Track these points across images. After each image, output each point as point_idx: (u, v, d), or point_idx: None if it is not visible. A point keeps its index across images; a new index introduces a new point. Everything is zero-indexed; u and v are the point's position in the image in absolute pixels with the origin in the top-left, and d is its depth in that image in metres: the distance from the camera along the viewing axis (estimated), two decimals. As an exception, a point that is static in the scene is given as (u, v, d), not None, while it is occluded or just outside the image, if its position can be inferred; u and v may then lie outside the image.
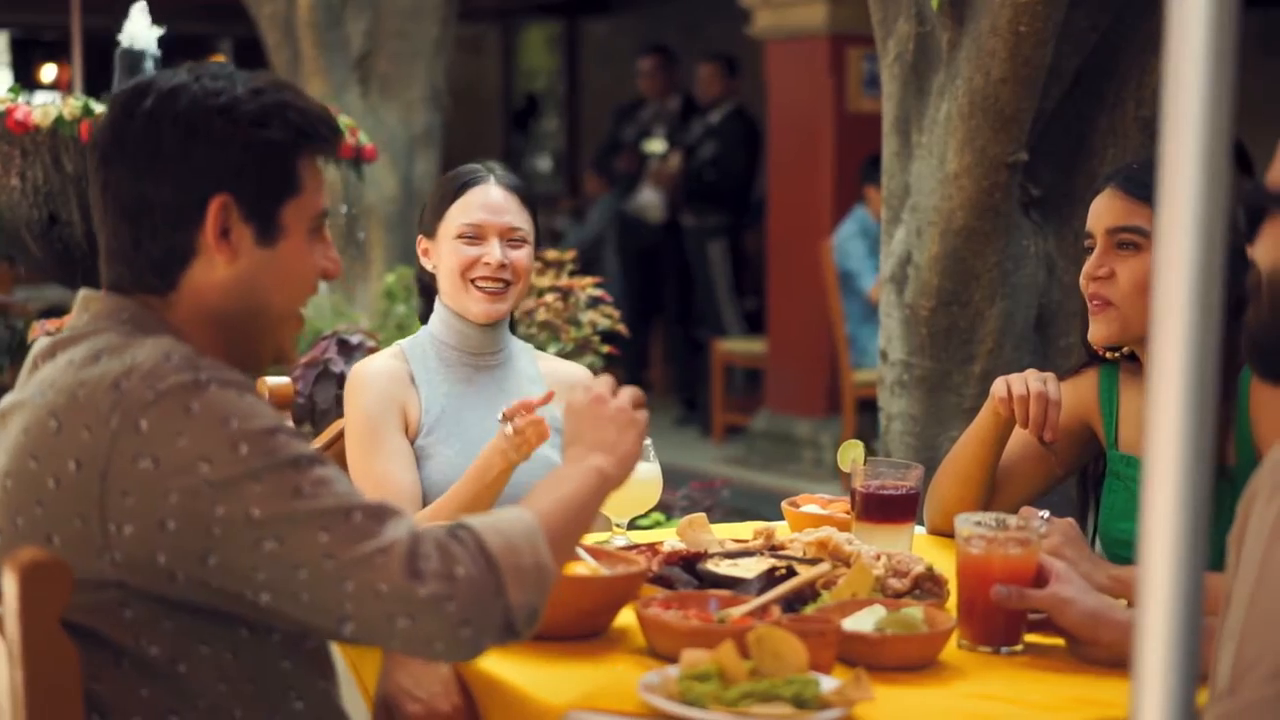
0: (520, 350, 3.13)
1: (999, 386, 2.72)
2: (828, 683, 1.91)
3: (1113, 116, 3.73)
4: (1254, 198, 1.67)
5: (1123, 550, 2.67)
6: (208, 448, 1.71)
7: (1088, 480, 2.88)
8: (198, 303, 1.86)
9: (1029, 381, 2.68)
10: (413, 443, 2.96)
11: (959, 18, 3.60)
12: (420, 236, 3.08)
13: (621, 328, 4.38)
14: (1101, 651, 2.14)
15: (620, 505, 2.70)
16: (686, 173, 9.46)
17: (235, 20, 6.78)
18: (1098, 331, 2.64)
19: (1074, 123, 3.78)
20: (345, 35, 6.42)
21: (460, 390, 3.00)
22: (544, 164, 14.86)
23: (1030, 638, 2.21)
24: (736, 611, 2.13)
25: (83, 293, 1.91)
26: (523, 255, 3.01)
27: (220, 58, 14.20)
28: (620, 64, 12.18)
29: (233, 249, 1.84)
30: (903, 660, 2.09)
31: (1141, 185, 2.63)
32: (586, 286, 4.37)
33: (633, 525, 4.12)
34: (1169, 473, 1.17)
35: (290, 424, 1.80)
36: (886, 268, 3.95)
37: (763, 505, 4.44)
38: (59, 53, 14.07)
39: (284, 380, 3.12)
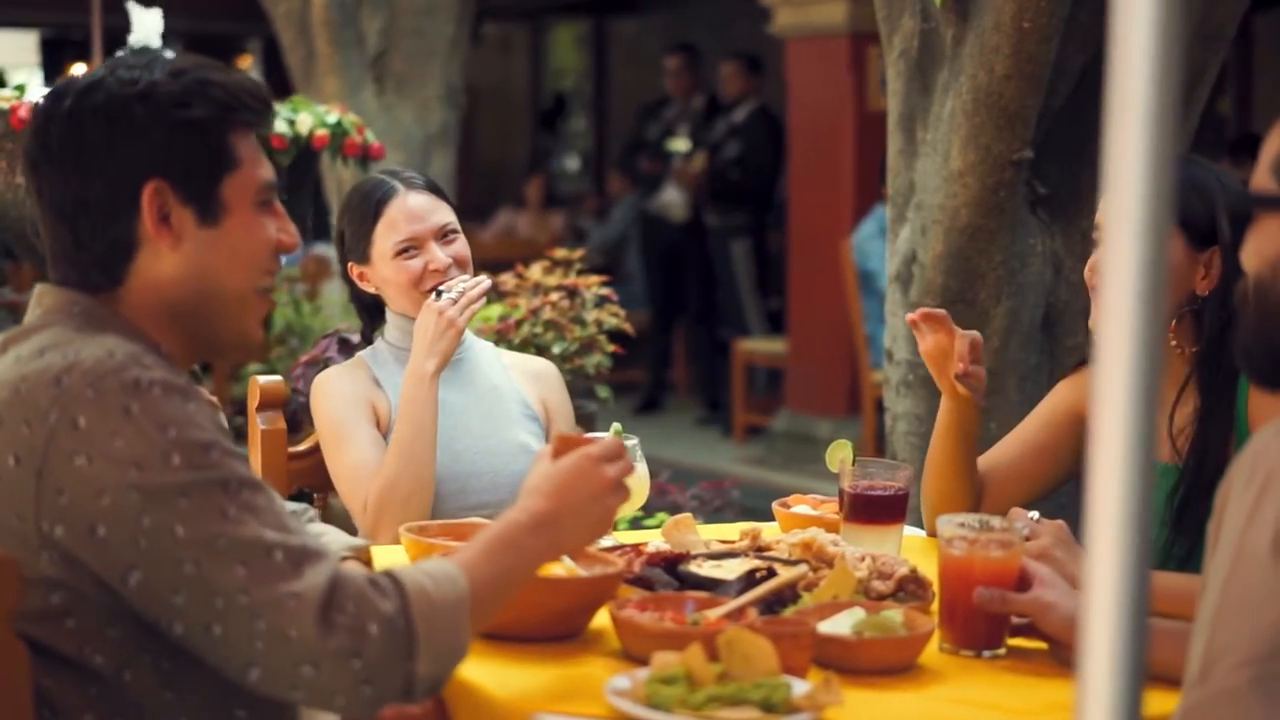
0: (482, 346, 3.17)
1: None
2: (799, 686, 1.88)
3: (1120, 114, 3.68)
4: (1238, 202, 1.65)
5: None
6: (141, 452, 1.68)
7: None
8: (149, 294, 1.84)
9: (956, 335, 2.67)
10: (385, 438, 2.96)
11: (962, 14, 3.56)
12: (350, 264, 3.07)
13: (627, 327, 4.35)
14: (1072, 654, 2.10)
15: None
16: (710, 172, 9.43)
17: (263, 19, 6.78)
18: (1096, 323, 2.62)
19: (1081, 120, 3.73)
20: (360, 33, 6.41)
21: None
22: (572, 163, 14.86)
23: (1013, 641, 2.17)
24: (713, 614, 2.10)
25: (38, 287, 1.89)
26: (460, 246, 3.04)
27: (248, 58, 14.24)
28: (648, 63, 12.15)
29: (175, 234, 1.82)
30: (880, 663, 2.06)
31: None
32: (593, 285, 4.33)
33: (638, 525, 4.11)
34: (1113, 469, 1.15)
35: (228, 442, 1.75)
36: (892, 266, 3.92)
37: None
38: (89, 52, 14.15)
39: (275, 379, 3.10)
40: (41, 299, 1.86)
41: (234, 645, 1.68)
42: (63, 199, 1.81)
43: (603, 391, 4.44)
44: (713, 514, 4.94)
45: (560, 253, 4.67)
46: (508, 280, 4.55)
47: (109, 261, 1.82)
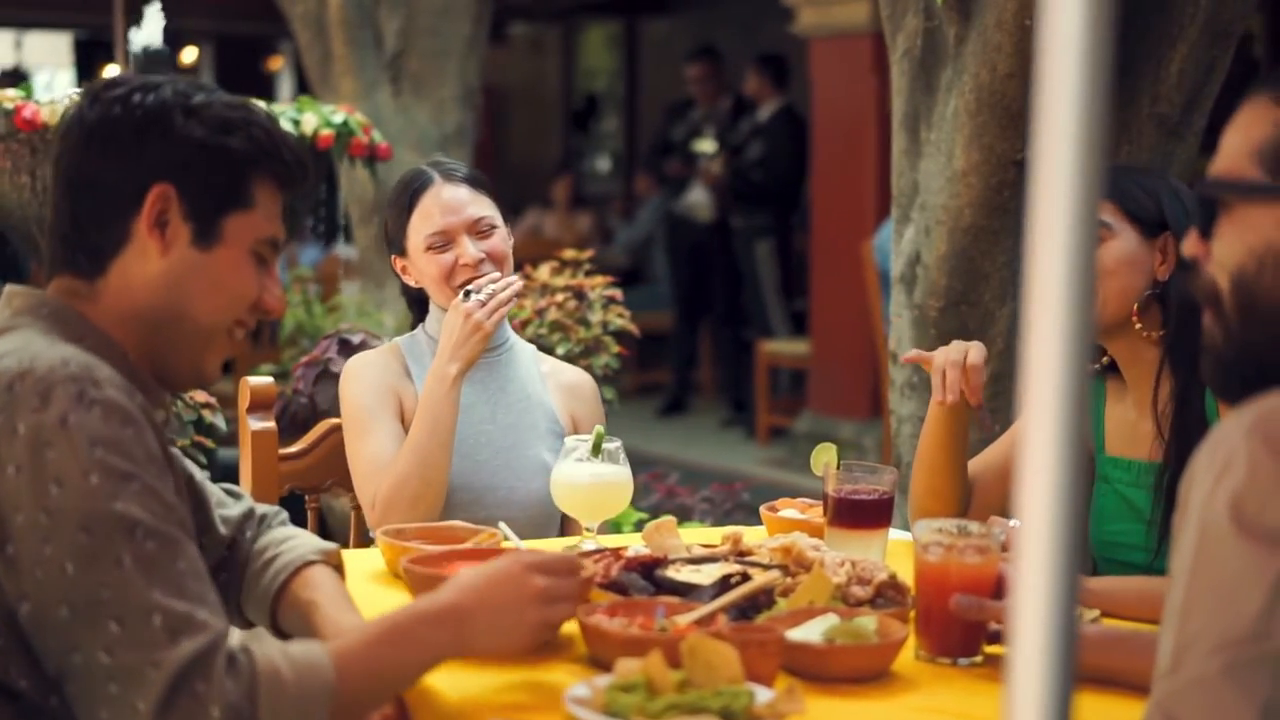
0: (522, 349, 3.07)
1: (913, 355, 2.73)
2: (762, 694, 1.85)
3: (1126, 113, 3.64)
4: (1208, 189, 1.59)
5: (1115, 552, 2.65)
6: (65, 466, 1.66)
7: None
8: (123, 296, 1.83)
9: (949, 351, 2.65)
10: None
11: (965, 12, 3.53)
12: (394, 257, 3.02)
13: (633, 328, 4.32)
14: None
15: (590, 508, 2.65)
16: (734, 172, 9.39)
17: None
18: None
19: (1087, 119, 3.69)
20: (376, 34, 6.39)
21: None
22: (603, 164, 14.84)
23: (991, 649, 2.14)
24: (683, 619, 2.07)
25: (7, 289, 1.88)
26: (497, 241, 2.95)
27: (279, 59, 14.27)
28: (678, 64, 12.12)
29: (165, 241, 1.82)
30: (851, 671, 2.03)
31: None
32: (598, 286, 4.31)
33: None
34: (1044, 471, 1.12)
35: (158, 479, 1.71)
36: (896, 267, 3.88)
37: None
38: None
39: (266, 380, 3.09)
40: (11, 300, 1.85)
41: (83, 702, 1.65)
42: (78, 171, 1.84)
43: (608, 393, 4.41)
44: (723, 516, 4.91)
45: (569, 253, 4.65)
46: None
47: (98, 249, 1.83)
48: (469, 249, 2.91)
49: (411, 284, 3.01)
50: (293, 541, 2.17)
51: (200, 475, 2.16)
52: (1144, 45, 3.61)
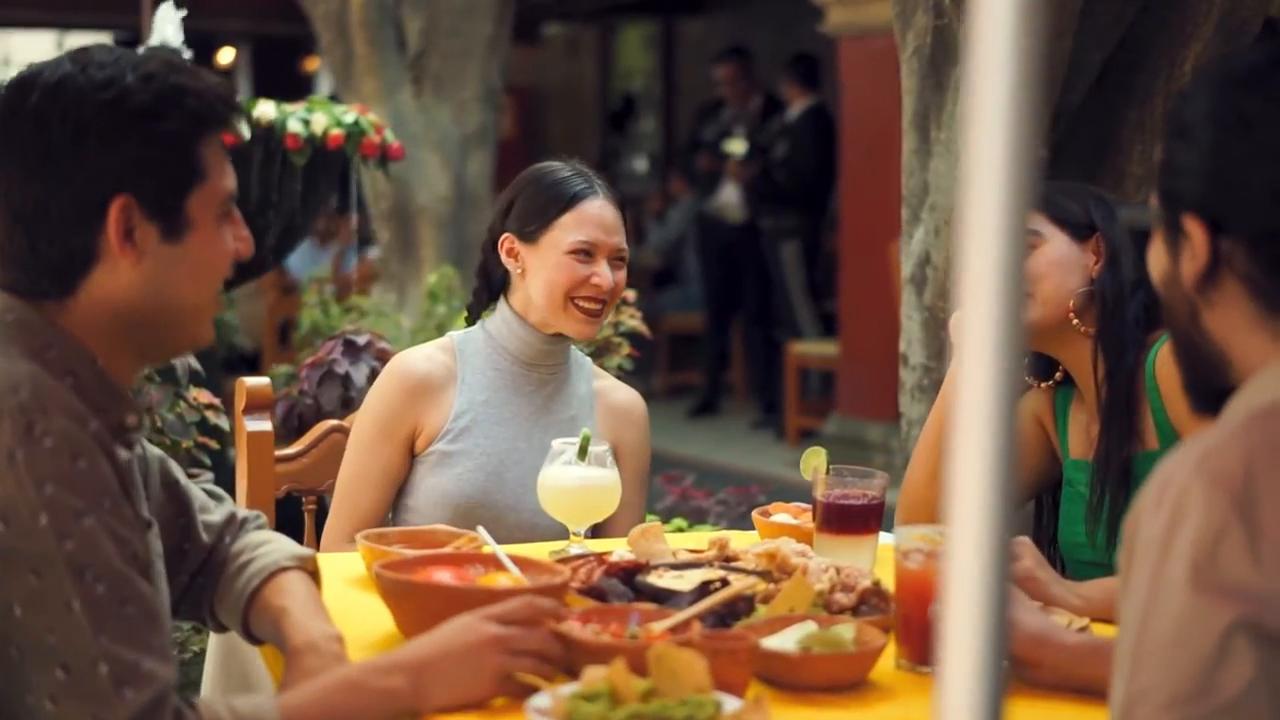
0: (577, 366, 2.98)
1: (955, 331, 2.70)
2: (730, 704, 1.81)
3: (1140, 112, 3.58)
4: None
5: (1080, 553, 2.68)
6: (13, 507, 1.61)
7: (1044, 493, 2.88)
8: (99, 307, 1.77)
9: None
10: (427, 449, 2.84)
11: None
12: (507, 234, 2.89)
13: (643, 328, 4.28)
14: (1046, 674, 2.04)
15: (576, 512, 2.61)
16: (761, 172, 9.34)
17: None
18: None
19: (1100, 118, 3.63)
20: (398, 34, 6.38)
21: (501, 399, 2.88)
22: (640, 165, 14.82)
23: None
24: (657, 626, 2.03)
25: None
26: (623, 276, 2.90)
27: (316, 60, 14.28)
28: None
29: (138, 250, 1.76)
30: (826, 680, 1.99)
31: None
32: (608, 287, 4.27)
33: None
34: (975, 470, 1.12)
35: (111, 515, 1.66)
36: (906, 268, 3.84)
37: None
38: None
39: (262, 381, 3.07)
40: None
41: None
42: (22, 201, 1.75)
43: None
44: (738, 519, 4.87)
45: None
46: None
47: (63, 271, 1.76)
48: (606, 273, 2.84)
49: (510, 265, 2.89)
50: (268, 546, 2.14)
51: (185, 480, 2.14)
52: (1158, 43, 3.56)
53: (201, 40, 13.72)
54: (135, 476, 1.85)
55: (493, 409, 2.87)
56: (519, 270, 2.87)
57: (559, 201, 2.86)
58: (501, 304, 2.92)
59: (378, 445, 2.83)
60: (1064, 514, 2.73)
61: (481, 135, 6.40)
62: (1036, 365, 2.76)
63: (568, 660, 1.95)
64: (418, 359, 2.90)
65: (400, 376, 2.86)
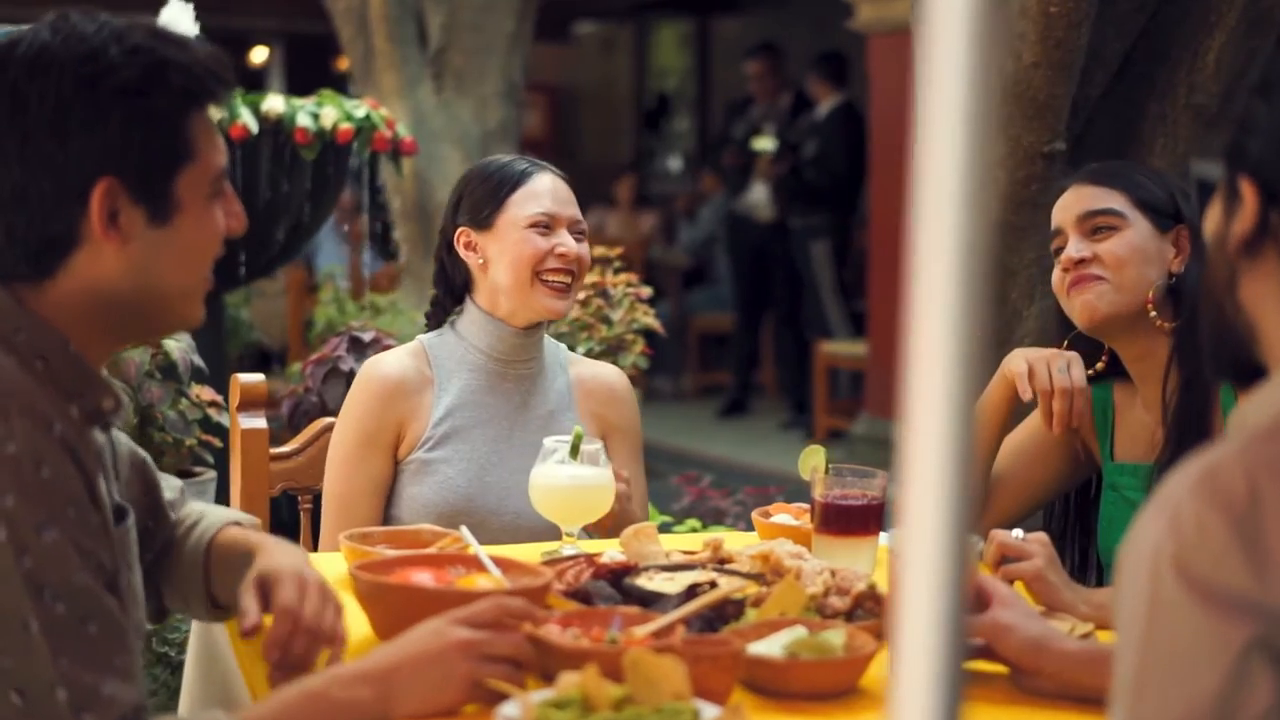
0: (552, 357, 2.93)
1: (1018, 364, 2.58)
2: (708, 712, 1.74)
3: (1163, 104, 3.49)
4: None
5: None
6: None
7: (1076, 500, 2.73)
8: (79, 291, 1.67)
9: (1053, 372, 2.53)
10: (408, 456, 2.79)
11: None
12: (462, 228, 2.84)
13: (657, 325, 4.21)
14: (1045, 682, 1.96)
15: (568, 512, 2.54)
16: (791, 170, 9.26)
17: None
18: (1087, 302, 2.53)
19: (1122, 111, 3.55)
20: (419, 29, 6.32)
21: (477, 400, 2.82)
22: (675, 164, 14.75)
23: (970, 665, 2.02)
24: (641, 631, 1.96)
25: None
26: (586, 249, 2.86)
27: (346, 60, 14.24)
28: (750, 63, 12.01)
29: (123, 235, 1.65)
30: (813, 687, 1.91)
31: (1107, 174, 2.59)
32: (621, 284, 4.20)
33: (667, 531, 3.97)
34: (929, 474, 1.07)
35: (75, 526, 1.58)
36: (923, 265, 3.75)
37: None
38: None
39: (257, 378, 3.01)
40: None
41: None
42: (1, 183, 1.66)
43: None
44: (755, 520, 4.79)
45: (600, 249, 4.55)
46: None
47: (42, 256, 1.66)
48: (570, 242, 2.80)
49: (472, 260, 2.84)
50: (210, 510, 2.09)
51: (149, 460, 2.07)
52: (1180, 33, 3.47)
53: (234, 39, 13.73)
54: (107, 462, 1.78)
55: (471, 412, 2.82)
56: (480, 262, 2.83)
57: (508, 182, 2.83)
58: (468, 304, 2.88)
59: (363, 455, 2.77)
60: (1106, 519, 2.61)
61: (503, 132, 6.34)
62: (1078, 349, 2.63)
63: (544, 665, 1.88)
64: (389, 363, 2.85)
65: (377, 381, 2.81)
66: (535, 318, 2.82)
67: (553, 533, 2.62)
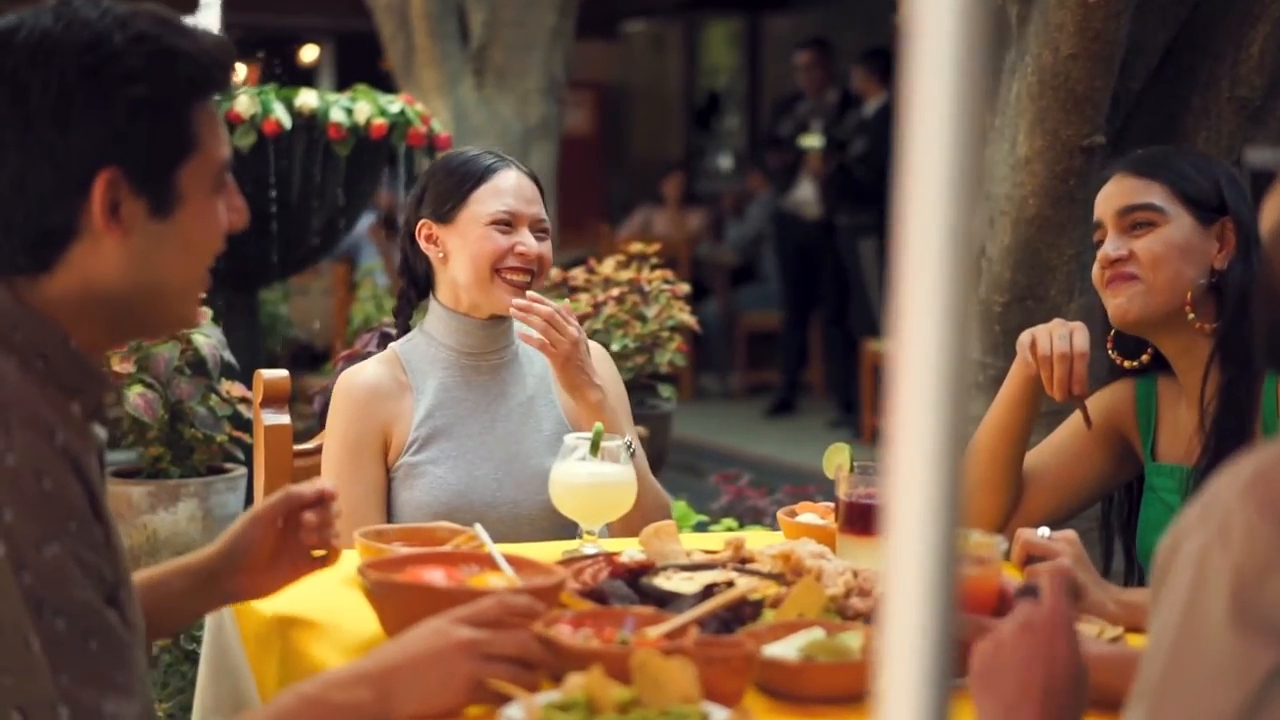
0: (525, 345, 2.90)
1: (1023, 337, 2.53)
2: (718, 715, 1.70)
3: (1205, 96, 3.43)
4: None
5: None
6: None
7: (1123, 498, 2.66)
8: (76, 285, 1.62)
9: (1053, 338, 2.47)
10: (395, 462, 2.78)
11: (1027, -11, 3.34)
12: (424, 221, 2.84)
13: (692, 322, 4.17)
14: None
15: (589, 510, 2.50)
16: (838, 168, 9.19)
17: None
18: (1120, 305, 2.46)
19: (1164, 103, 3.48)
20: (460, 25, 6.29)
21: (455, 397, 2.81)
22: (725, 163, 14.69)
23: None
24: (653, 631, 1.92)
25: None
26: (548, 248, 2.85)
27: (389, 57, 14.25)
28: (801, 60, 11.95)
29: (123, 227, 1.61)
30: (828, 690, 1.86)
31: (1150, 164, 2.49)
32: (656, 280, 4.16)
33: (703, 529, 3.92)
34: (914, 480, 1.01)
35: (76, 539, 1.54)
36: (961, 261, 3.69)
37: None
38: (242, 51, 14.30)
39: (281, 374, 2.98)
40: None
41: None
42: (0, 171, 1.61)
43: (666, 391, 4.27)
44: (794, 520, 4.74)
45: (636, 247, 4.52)
46: (578, 275, 4.41)
47: (40, 248, 1.62)
48: (531, 241, 2.80)
49: (433, 253, 2.83)
50: None
51: None
52: (1223, 25, 3.40)
53: (285, 38, 13.76)
54: (104, 464, 1.75)
55: (450, 410, 2.81)
56: (440, 255, 2.83)
57: (472, 177, 2.82)
58: (431, 303, 2.88)
59: (355, 466, 2.75)
60: (1144, 520, 2.55)
61: (544, 128, 6.30)
62: (1122, 342, 2.58)
63: (552, 666, 1.84)
64: (363, 371, 2.85)
65: (357, 390, 2.80)
66: (497, 311, 2.81)
67: (556, 520, 2.62)
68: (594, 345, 2.94)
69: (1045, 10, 3.27)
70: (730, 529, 4.15)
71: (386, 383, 2.82)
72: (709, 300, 10.88)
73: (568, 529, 2.68)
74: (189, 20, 1.68)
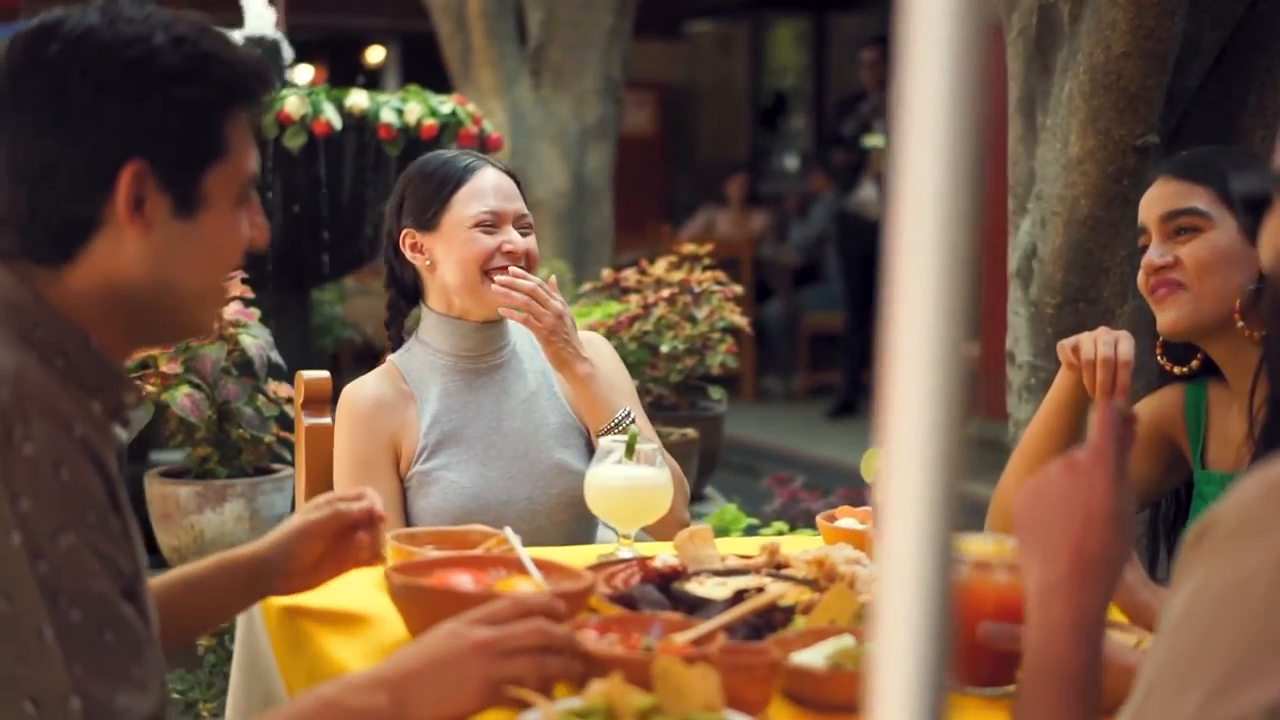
0: (524, 339, 2.90)
1: (1066, 343, 2.50)
2: (739, 724, 1.67)
3: (1262, 95, 3.37)
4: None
5: None
6: None
7: (1165, 505, 2.61)
8: (96, 279, 1.63)
9: (1098, 343, 2.44)
10: (408, 472, 2.77)
11: (1080, -13, 3.29)
12: (406, 230, 2.83)
13: (743, 323, 4.14)
14: (1106, 698, 1.86)
15: (624, 513, 2.48)
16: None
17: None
18: (1168, 317, 2.41)
19: (1220, 102, 3.42)
20: (517, 26, 6.28)
21: (458, 402, 2.81)
22: (791, 163, 14.63)
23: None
24: (680, 638, 1.89)
25: None
26: (532, 242, 2.84)
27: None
28: (866, 60, 11.87)
29: (146, 222, 1.61)
30: (855, 699, 1.83)
31: (1194, 167, 2.42)
32: (706, 281, 4.14)
33: (753, 532, 3.89)
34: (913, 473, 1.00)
35: (95, 531, 1.53)
36: (1012, 261, 3.66)
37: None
38: (309, 53, 14.36)
39: (322, 375, 2.97)
40: None
41: None
42: (29, 159, 1.62)
43: (716, 393, 4.24)
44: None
45: (688, 248, 4.49)
46: (630, 276, 4.39)
47: (64, 237, 1.63)
48: (515, 237, 2.80)
49: (419, 262, 2.83)
50: None
51: None
52: (1281, 21, 3.34)
53: (350, 39, 13.82)
54: (123, 466, 1.75)
55: (455, 415, 2.80)
56: (427, 263, 2.82)
57: (451, 180, 2.81)
58: (424, 310, 2.88)
59: (370, 481, 2.72)
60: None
61: (601, 128, 6.27)
62: (1172, 347, 2.53)
63: (579, 671, 1.82)
64: (364, 386, 2.84)
65: (361, 405, 2.80)
66: (490, 314, 2.80)
67: (573, 513, 2.63)
68: (592, 335, 2.94)
69: (1098, 8, 3.22)
70: (780, 533, 4.11)
71: (389, 395, 2.81)
72: (772, 301, 10.83)
73: (587, 522, 2.67)
74: (240, 24, 1.69)
